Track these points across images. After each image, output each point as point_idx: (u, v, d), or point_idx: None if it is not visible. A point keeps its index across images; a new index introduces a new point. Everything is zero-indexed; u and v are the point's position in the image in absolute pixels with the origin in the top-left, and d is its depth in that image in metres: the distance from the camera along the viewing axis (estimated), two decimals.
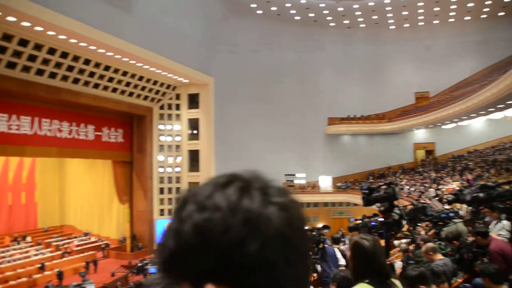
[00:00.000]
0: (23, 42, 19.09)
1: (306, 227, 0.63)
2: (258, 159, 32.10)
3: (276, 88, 33.08)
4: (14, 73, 19.78)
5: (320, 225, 5.97)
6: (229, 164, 31.23)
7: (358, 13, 31.36)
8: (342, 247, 6.95)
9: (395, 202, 3.73)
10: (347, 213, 32.28)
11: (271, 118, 32.90)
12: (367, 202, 3.78)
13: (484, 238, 4.81)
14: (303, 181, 32.80)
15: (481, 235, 4.89)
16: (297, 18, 32.28)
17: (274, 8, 30.79)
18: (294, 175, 32.48)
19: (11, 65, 19.44)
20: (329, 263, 5.15)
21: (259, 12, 31.39)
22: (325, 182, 32.89)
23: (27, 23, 17.53)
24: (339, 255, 5.77)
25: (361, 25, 33.46)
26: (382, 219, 3.80)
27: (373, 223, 4.38)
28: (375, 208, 3.99)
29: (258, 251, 0.52)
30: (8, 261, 23.64)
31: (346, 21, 32.83)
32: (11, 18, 16.91)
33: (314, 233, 5.28)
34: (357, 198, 28.46)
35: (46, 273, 23.25)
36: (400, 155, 34.40)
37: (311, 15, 31.78)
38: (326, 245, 5.63)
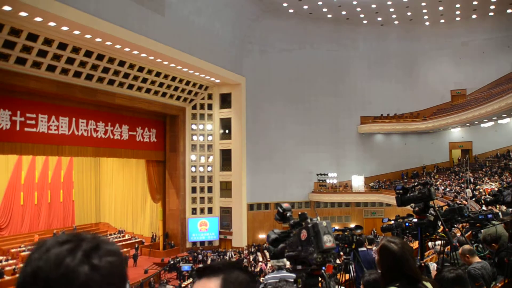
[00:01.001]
0: (62, 46, 19.80)
1: (117, 283, 0.81)
2: (290, 158, 32.06)
3: (308, 87, 32.88)
4: (54, 76, 20.59)
5: (352, 225, 5.89)
6: (261, 163, 31.40)
7: (391, 9, 30.71)
8: (374, 248, 6.84)
9: (431, 203, 3.64)
10: (380, 214, 31.80)
11: (303, 117, 32.74)
12: (402, 202, 3.70)
13: None
14: (335, 181, 32.48)
15: None
16: (329, 16, 31.94)
17: (305, 7, 30.57)
18: (326, 174, 32.22)
19: (51, 68, 20.22)
20: (361, 264, 5.08)
21: (291, 11, 31.25)
22: (358, 181, 32.46)
23: (66, 27, 18.18)
24: None
25: (395, 22, 32.76)
26: (417, 220, 3.72)
27: (407, 224, 4.29)
28: (409, 208, 3.91)
29: None
30: None
31: (380, 18, 32.22)
32: (51, 23, 17.58)
33: (346, 233, 5.21)
34: (390, 198, 27.94)
35: None
36: (435, 155, 33.55)
37: (344, 13, 31.37)
38: (364, 249, 5.52)
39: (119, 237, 31.27)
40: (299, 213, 1.75)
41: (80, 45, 20.38)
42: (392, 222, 5.26)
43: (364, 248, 5.60)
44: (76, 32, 18.80)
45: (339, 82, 33.35)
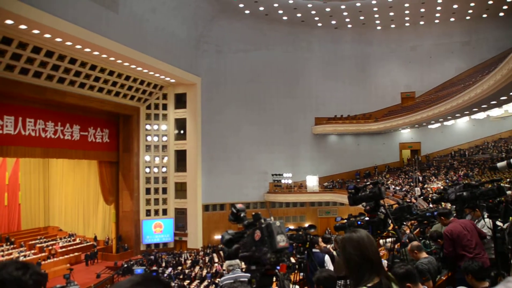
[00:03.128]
0: (7, 41, 18.80)
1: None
2: (245, 159, 32.14)
3: (263, 88, 33.09)
4: None
5: (306, 224, 5.96)
6: (216, 164, 31.28)
7: (345, 13, 31.52)
8: (329, 246, 6.96)
9: (381, 202, 3.75)
10: (334, 213, 32.50)
11: (258, 118, 32.90)
12: (353, 201, 3.79)
13: (446, 219, 5.01)
14: (290, 181, 32.88)
15: (444, 215, 5.13)
16: (284, 18, 32.31)
17: (261, 8, 30.77)
18: (281, 175, 32.53)
19: None
20: (315, 263, 5.16)
21: (247, 12, 31.34)
22: (312, 181, 33.00)
23: (11, 21, 17.24)
24: (329, 263, 5.61)
25: (349, 26, 33.64)
26: (368, 218, 3.82)
27: (359, 223, 4.40)
28: (361, 207, 4.01)
29: None
30: None
31: (334, 22, 32.98)
32: None
33: (300, 232, 5.27)
34: (343, 198, 28.60)
35: None
36: (386, 155, 34.70)
37: (299, 15, 31.84)
38: (316, 251, 5.57)
39: (70, 241, 30.11)
40: (253, 213, 1.75)
41: (27, 40, 19.44)
42: (345, 221, 5.39)
43: (317, 250, 5.67)
44: (23, 26, 17.91)
45: (294, 83, 33.80)
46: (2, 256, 25.01)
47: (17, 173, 31.23)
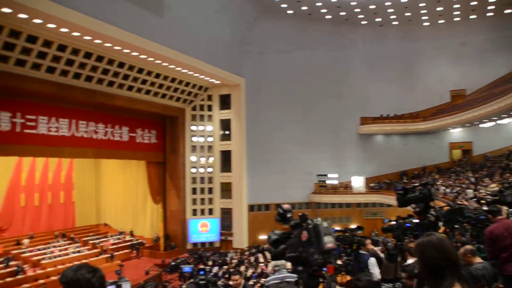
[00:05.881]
0: (62, 48, 19.80)
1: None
2: (290, 159, 32.05)
3: (307, 88, 32.87)
4: (53, 77, 20.59)
5: (353, 226, 5.86)
6: (261, 164, 31.42)
7: (390, 10, 30.69)
8: (376, 248, 6.81)
9: (431, 203, 3.63)
10: (380, 214, 31.74)
11: (302, 118, 32.73)
12: (402, 203, 3.70)
13: (493, 217, 4.83)
14: (336, 182, 32.47)
15: (491, 213, 5.02)
16: (328, 17, 31.93)
17: (304, 8, 30.57)
18: (326, 175, 32.22)
19: (50, 70, 20.22)
20: (362, 265, 5.07)
21: (290, 12, 31.24)
22: (358, 182, 32.45)
23: (65, 29, 18.20)
24: (373, 267, 5.44)
25: (394, 23, 32.74)
26: (418, 221, 3.71)
27: (408, 225, 4.28)
28: (409, 209, 3.90)
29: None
30: (49, 258, 24.59)
31: (378, 19, 32.21)
32: (50, 25, 17.58)
33: (347, 234, 5.19)
34: (390, 199, 27.90)
35: None
36: (435, 155, 33.47)
37: (342, 13, 31.36)
38: (363, 253, 5.46)
39: (119, 239, 31.21)
40: (300, 214, 1.74)
41: (79, 46, 20.39)
42: (393, 222, 5.25)
43: (364, 252, 5.56)
44: (76, 33, 18.81)
45: (338, 83, 33.33)
46: (60, 250, 26.40)
47: (71, 173, 32.76)
